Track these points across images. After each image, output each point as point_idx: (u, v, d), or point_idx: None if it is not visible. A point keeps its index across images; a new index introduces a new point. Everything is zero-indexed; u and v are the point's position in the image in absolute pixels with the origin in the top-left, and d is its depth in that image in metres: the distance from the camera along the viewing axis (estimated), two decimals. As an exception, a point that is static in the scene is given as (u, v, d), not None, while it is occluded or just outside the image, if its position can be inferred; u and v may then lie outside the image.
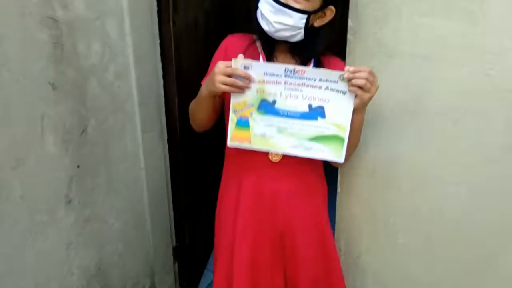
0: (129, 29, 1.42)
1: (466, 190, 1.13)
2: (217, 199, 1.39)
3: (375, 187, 1.23)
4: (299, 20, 1.07)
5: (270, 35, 1.11)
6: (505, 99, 1.02)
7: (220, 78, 1.05)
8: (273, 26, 1.08)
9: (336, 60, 1.20)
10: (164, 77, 1.64)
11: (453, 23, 1.03)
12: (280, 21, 1.07)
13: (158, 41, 1.59)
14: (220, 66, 1.05)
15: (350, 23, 1.14)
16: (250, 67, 1.04)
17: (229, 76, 1.05)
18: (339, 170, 1.28)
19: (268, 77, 1.05)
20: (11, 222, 1.08)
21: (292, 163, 1.18)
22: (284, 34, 1.10)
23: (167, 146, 1.69)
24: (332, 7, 1.11)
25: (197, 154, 1.95)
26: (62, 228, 1.24)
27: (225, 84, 1.05)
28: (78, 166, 1.29)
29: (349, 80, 1.01)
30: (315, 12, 1.09)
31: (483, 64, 1.02)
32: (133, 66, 1.46)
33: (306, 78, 1.03)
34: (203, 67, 1.88)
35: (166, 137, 1.69)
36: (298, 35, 1.11)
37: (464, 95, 1.06)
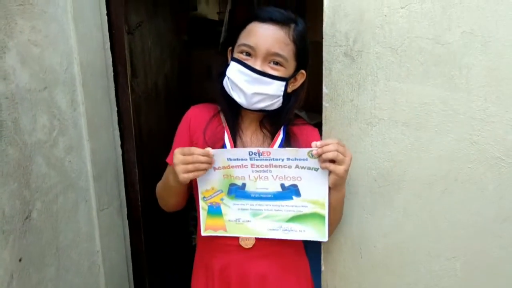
0: (82, 98, 1.29)
1: (461, 265, 1.03)
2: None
3: (363, 266, 1.11)
4: (279, 87, 0.99)
5: (245, 107, 1.02)
6: (494, 166, 0.96)
7: (181, 168, 0.93)
8: (250, 98, 0.98)
9: (309, 129, 1.12)
10: (122, 146, 1.50)
11: (433, 88, 0.98)
12: (258, 91, 0.98)
13: (116, 108, 1.46)
14: (178, 157, 0.94)
15: (325, 89, 1.07)
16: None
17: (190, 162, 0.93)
18: (322, 247, 1.16)
19: (232, 162, 0.96)
20: None
21: (266, 246, 1.06)
22: (260, 105, 1.00)
23: (127, 223, 1.52)
24: (303, 71, 1.05)
25: (162, 230, 1.78)
26: None
27: (189, 171, 0.93)
28: (20, 260, 1.10)
29: (319, 155, 0.92)
30: (291, 78, 1.02)
31: (469, 131, 0.96)
32: (87, 137, 1.32)
33: (273, 159, 0.94)
34: (165, 131, 1.76)
35: (125, 213, 1.51)
36: (276, 104, 1.02)
37: (452, 163, 0.99)
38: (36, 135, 1.13)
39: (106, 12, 1.38)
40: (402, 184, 1.05)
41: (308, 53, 1.05)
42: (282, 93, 1.00)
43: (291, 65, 1.01)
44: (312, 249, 1.27)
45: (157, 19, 1.82)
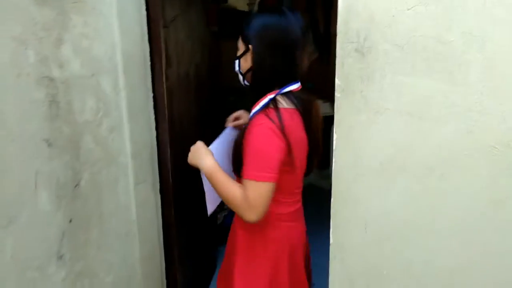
0: (123, 84, 1.46)
1: (456, 243, 1.14)
2: None
3: (368, 241, 1.24)
4: (236, 64, 1.32)
5: None
6: (488, 154, 1.06)
7: None
8: None
9: (259, 119, 1.22)
10: (156, 128, 1.67)
11: (434, 82, 1.08)
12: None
13: (152, 94, 1.63)
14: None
15: (337, 81, 1.19)
16: None
17: None
18: (331, 222, 1.29)
19: None
20: (1, 280, 1.06)
21: None
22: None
23: (159, 197, 1.70)
24: (250, 46, 1.30)
25: (190, 207, 1.95)
26: (52, 285, 1.22)
27: None
28: (70, 221, 1.29)
29: None
30: (240, 56, 1.32)
31: (466, 121, 1.06)
32: (127, 119, 1.49)
33: None
34: (194, 116, 1.93)
35: (158, 188, 1.69)
36: (241, 79, 1.37)
37: (449, 151, 1.10)
38: (85, 116, 1.31)
39: (145, 7, 1.53)
40: (404, 168, 1.16)
41: (251, 33, 1.28)
42: (238, 69, 1.34)
43: (241, 46, 1.33)
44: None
45: (190, 13, 1.97)
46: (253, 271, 1.32)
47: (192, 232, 2.00)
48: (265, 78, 1.25)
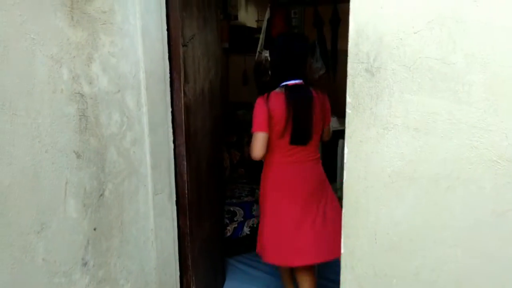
0: (145, 100, 1.55)
1: (461, 252, 1.21)
2: None
3: (377, 250, 1.30)
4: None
5: None
6: (491, 168, 1.13)
7: None
8: None
9: (259, 97, 1.95)
10: (174, 141, 1.75)
11: (439, 100, 1.16)
12: None
13: (170, 109, 1.71)
14: None
15: (348, 99, 1.27)
16: None
17: None
18: (342, 232, 1.36)
19: None
20: (32, 285, 1.13)
21: None
22: None
23: (175, 207, 1.77)
24: None
25: (203, 218, 2.02)
26: (77, 290, 1.29)
27: None
28: (94, 229, 1.36)
29: None
30: None
31: (469, 137, 1.13)
32: (148, 133, 1.58)
33: None
34: (208, 130, 2.01)
35: (174, 199, 1.76)
36: None
37: (454, 164, 1.17)
38: (110, 129, 1.40)
39: (166, 28, 1.63)
40: (412, 180, 1.23)
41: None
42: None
43: None
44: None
45: (205, 31, 2.06)
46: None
47: (204, 243, 2.06)
48: (273, 76, 1.99)
